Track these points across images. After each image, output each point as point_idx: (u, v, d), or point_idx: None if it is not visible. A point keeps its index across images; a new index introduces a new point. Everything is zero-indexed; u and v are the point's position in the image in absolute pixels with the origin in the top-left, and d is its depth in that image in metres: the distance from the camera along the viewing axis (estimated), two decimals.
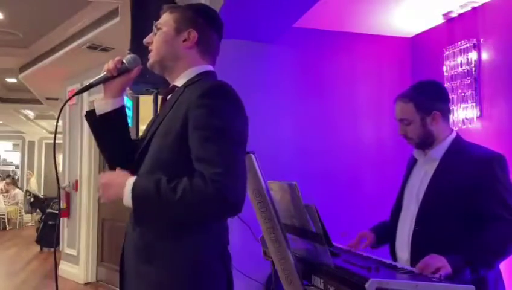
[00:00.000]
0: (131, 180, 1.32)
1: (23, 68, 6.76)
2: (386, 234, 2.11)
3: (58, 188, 1.56)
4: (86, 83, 1.54)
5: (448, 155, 1.93)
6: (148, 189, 1.29)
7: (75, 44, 5.20)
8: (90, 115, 1.54)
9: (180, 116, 1.34)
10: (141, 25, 3.26)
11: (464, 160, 1.88)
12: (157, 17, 1.58)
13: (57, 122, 1.56)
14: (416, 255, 1.90)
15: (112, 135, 1.53)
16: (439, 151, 1.95)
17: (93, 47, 5.16)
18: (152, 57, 1.49)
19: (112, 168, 1.55)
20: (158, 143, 1.39)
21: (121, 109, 1.54)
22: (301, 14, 3.14)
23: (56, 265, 1.52)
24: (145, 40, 1.52)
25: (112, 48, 5.15)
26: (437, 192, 1.90)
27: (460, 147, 1.94)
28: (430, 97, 1.96)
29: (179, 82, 1.47)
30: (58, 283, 1.56)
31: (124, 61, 1.50)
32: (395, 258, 2.01)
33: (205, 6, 1.58)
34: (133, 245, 1.43)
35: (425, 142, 1.96)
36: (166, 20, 1.49)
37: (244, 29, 3.39)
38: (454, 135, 1.98)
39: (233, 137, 1.30)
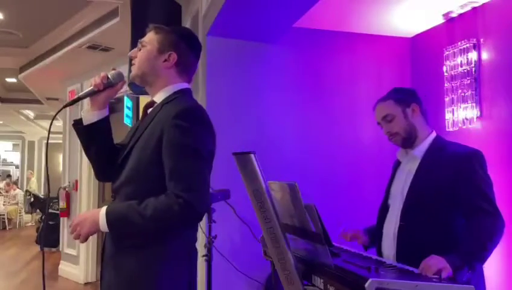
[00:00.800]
0: (103, 209, 1.51)
1: (23, 68, 6.77)
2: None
3: (48, 186, 1.74)
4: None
5: (429, 153, 2.01)
6: (121, 213, 1.49)
7: (75, 44, 5.21)
8: (78, 125, 1.70)
9: (156, 133, 1.52)
10: (141, 25, 3.27)
11: (444, 157, 1.96)
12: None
13: (49, 131, 1.69)
14: (401, 250, 1.96)
15: (97, 143, 1.70)
16: (420, 150, 2.04)
17: (93, 47, 5.17)
18: (134, 70, 1.67)
19: (99, 177, 1.79)
20: (137, 155, 1.56)
21: (106, 120, 1.71)
22: (301, 14, 3.14)
23: (44, 264, 1.65)
24: (129, 54, 1.70)
25: (111, 48, 5.15)
26: (420, 188, 1.97)
27: (440, 146, 2.02)
28: (406, 93, 2.11)
29: (158, 98, 1.65)
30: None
31: (109, 76, 1.65)
32: (381, 256, 2.04)
33: (188, 31, 1.77)
34: (111, 237, 1.60)
35: (410, 137, 2.04)
36: (151, 39, 1.65)
37: (244, 29, 3.39)
38: (434, 134, 2.07)
39: (201, 156, 1.48)
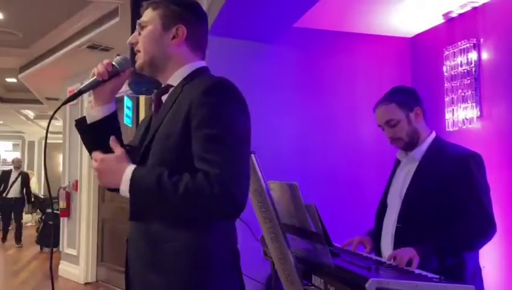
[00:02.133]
0: (130, 168, 1.25)
1: (23, 68, 6.76)
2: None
3: (48, 186, 1.47)
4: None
5: (428, 155, 2.00)
6: (148, 180, 1.21)
7: (75, 44, 5.20)
8: (81, 124, 1.46)
9: (181, 115, 1.27)
10: None
11: (442, 159, 1.95)
12: None
13: (47, 130, 1.41)
14: None
15: (104, 144, 1.36)
16: (419, 151, 2.02)
17: (93, 47, 5.16)
18: (140, 58, 1.40)
19: None
20: (160, 146, 1.31)
21: (113, 116, 1.46)
22: (301, 14, 3.15)
23: (52, 264, 1.45)
24: (128, 41, 1.44)
25: (111, 48, 5.15)
26: (417, 190, 1.96)
27: (439, 147, 2.01)
28: (408, 96, 2.06)
29: (174, 81, 1.39)
30: (55, 281, 1.54)
31: (114, 63, 1.41)
32: (380, 256, 2.05)
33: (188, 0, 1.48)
34: (139, 253, 1.35)
35: (413, 141, 2.02)
36: (150, 17, 1.40)
37: (244, 29, 3.39)
38: (433, 135, 2.05)
39: (237, 136, 1.24)
